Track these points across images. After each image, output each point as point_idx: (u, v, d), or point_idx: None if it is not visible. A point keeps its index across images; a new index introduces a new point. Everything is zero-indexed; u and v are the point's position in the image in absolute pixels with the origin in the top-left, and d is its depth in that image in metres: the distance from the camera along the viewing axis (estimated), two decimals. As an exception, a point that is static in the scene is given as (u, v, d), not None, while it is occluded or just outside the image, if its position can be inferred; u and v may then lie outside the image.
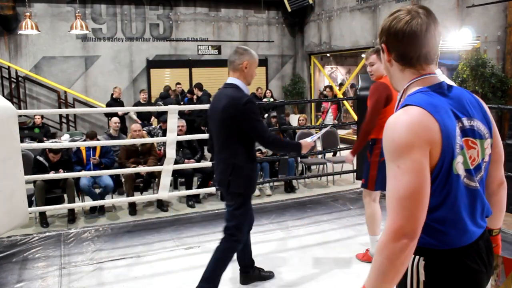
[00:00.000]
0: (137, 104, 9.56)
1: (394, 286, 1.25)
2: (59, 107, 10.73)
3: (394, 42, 1.33)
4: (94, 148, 5.91)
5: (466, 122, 1.33)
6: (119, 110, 8.50)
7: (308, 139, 3.15)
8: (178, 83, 10.75)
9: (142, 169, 5.50)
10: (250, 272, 3.35)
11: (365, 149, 3.55)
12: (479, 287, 1.37)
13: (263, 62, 12.96)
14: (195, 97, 9.89)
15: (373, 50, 3.50)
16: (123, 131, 8.39)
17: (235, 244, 3.02)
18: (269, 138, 2.90)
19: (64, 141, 7.53)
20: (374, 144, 3.48)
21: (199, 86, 10.07)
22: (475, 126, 1.35)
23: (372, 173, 3.45)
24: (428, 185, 1.23)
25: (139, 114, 9.42)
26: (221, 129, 2.92)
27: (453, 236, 1.32)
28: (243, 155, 2.90)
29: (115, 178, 6.29)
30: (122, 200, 5.79)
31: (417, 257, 1.33)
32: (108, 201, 5.50)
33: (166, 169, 4.62)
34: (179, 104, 9.26)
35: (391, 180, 1.23)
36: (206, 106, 6.26)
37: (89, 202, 5.46)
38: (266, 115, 8.54)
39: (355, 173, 6.33)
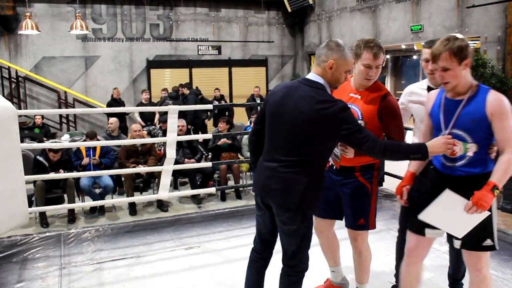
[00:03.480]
0: (140, 104, 9.55)
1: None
2: (59, 107, 10.74)
3: None
4: (94, 148, 5.91)
5: None
6: (120, 110, 8.50)
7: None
8: (181, 84, 10.75)
9: (142, 169, 5.51)
10: None
11: (341, 180, 2.74)
12: None
13: (263, 62, 12.98)
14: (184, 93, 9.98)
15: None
16: (123, 131, 8.39)
17: (302, 275, 2.45)
18: (375, 146, 2.19)
19: (64, 141, 7.53)
20: (372, 170, 2.72)
21: (188, 85, 10.14)
22: None
23: (373, 207, 2.76)
24: None
25: (142, 115, 9.39)
26: (297, 134, 2.24)
27: None
28: (318, 171, 2.31)
29: (115, 178, 6.30)
30: (122, 200, 5.80)
31: None
32: (108, 201, 5.50)
33: (166, 169, 4.61)
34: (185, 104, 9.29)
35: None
36: (194, 107, 6.21)
37: (89, 202, 5.46)
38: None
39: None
